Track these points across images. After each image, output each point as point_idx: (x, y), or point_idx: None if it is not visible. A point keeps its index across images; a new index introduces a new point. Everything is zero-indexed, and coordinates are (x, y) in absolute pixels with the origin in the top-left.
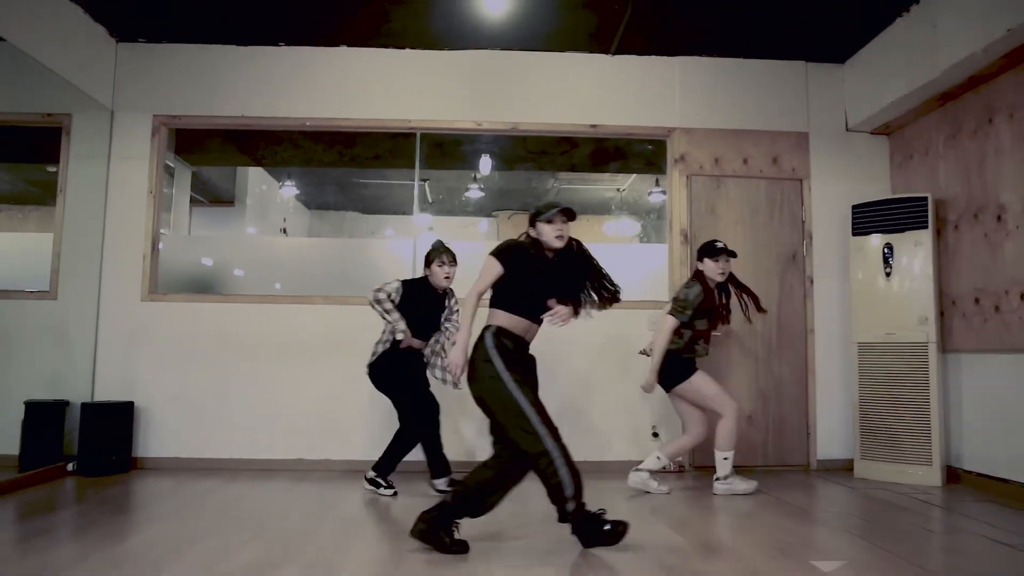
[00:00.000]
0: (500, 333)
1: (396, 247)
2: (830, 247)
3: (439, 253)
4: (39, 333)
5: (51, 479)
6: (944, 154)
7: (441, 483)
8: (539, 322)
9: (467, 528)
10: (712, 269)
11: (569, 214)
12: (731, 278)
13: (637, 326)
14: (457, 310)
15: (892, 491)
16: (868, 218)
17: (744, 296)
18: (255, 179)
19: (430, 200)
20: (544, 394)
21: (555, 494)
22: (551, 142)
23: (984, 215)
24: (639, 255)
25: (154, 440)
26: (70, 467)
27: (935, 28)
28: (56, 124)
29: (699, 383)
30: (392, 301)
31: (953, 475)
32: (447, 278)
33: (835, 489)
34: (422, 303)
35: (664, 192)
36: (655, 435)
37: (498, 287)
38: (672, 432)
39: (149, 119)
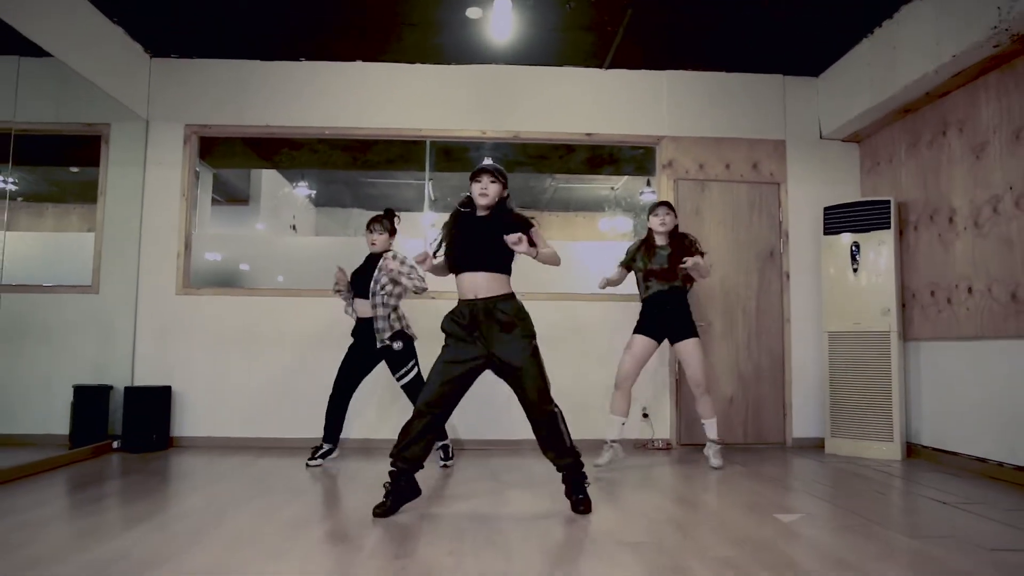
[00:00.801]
0: (454, 310)
1: (407, 247)
2: (805, 245)
3: (369, 222)
4: (83, 324)
5: (99, 455)
6: (906, 161)
7: (315, 460)
8: (475, 269)
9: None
10: (654, 222)
11: (489, 171)
12: (681, 238)
13: (631, 314)
14: (382, 265)
15: (857, 464)
16: (838, 219)
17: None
18: (269, 180)
19: (433, 198)
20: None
21: None
22: (549, 148)
23: (938, 217)
24: None
25: (189, 420)
26: (115, 445)
27: (895, 49)
28: (96, 133)
29: (630, 344)
30: (344, 286)
31: (912, 450)
32: (373, 244)
33: (806, 462)
34: (365, 269)
35: (654, 192)
36: (645, 416)
37: None
38: (660, 413)
39: (181, 128)
